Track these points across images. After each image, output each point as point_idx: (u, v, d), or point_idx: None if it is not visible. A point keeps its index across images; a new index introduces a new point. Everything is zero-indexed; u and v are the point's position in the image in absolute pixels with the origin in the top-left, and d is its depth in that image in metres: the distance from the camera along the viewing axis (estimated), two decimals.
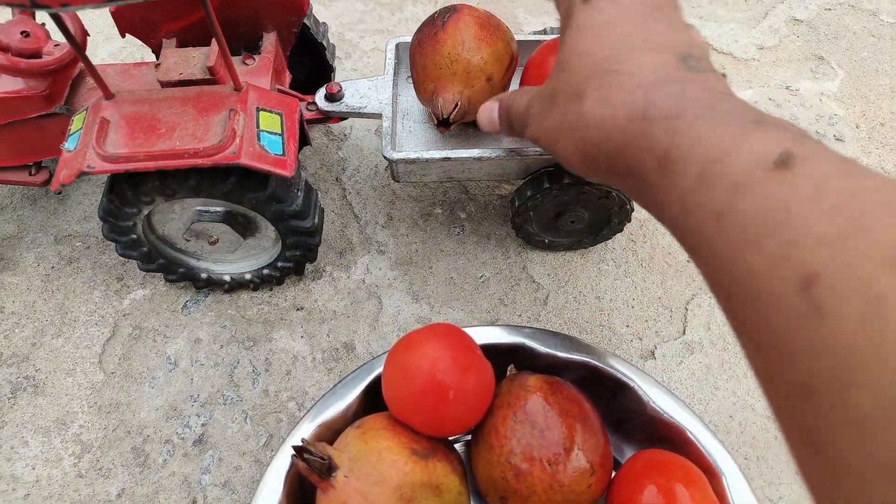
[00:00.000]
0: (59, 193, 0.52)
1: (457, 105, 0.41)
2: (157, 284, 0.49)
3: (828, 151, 0.19)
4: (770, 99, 0.60)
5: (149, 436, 0.42)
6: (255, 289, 0.48)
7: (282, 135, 0.37)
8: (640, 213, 0.52)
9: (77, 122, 0.37)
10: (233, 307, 0.48)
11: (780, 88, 0.60)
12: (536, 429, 0.34)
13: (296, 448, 0.34)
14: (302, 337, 0.46)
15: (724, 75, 0.25)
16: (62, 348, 0.46)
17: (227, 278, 0.47)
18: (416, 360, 0.35)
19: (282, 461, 0.36)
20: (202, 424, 0.43)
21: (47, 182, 0.45)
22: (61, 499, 0.40)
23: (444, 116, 0.41)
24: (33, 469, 0.41)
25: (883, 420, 0.14)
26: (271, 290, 0.48)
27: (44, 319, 0.47)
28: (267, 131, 0.37)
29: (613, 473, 0.37)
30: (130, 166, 0.34)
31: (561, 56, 0.27)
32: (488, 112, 0.33)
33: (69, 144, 0.36)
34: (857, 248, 0.16)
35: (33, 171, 0.45)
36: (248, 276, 0.47)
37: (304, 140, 0.43)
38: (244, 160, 0.35)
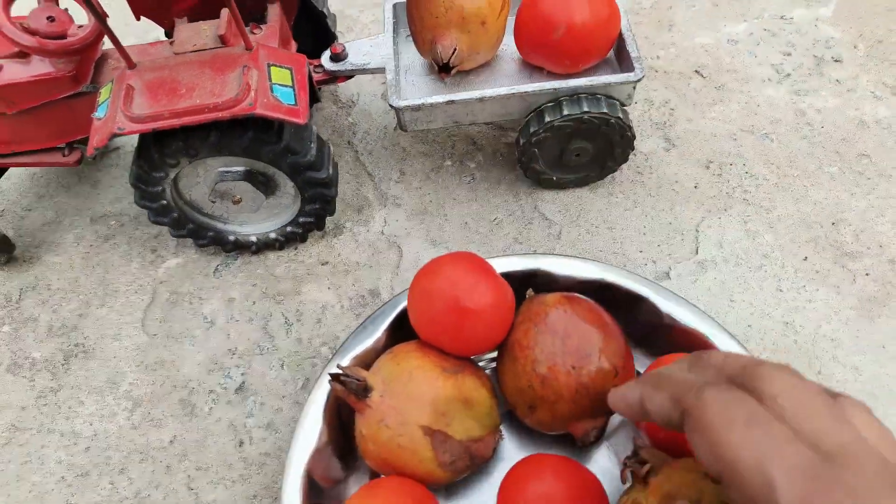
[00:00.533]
0: (94, 159, 0.55)
1: (455, 50, 0.43)
2: (188, 253, 0.51)
3: None
4: (765, 30, 0.60)
5: (194, 388, 0.45)
6: (281, 248, 0.50)
7: (293, 87, 0.40)
8: (643, 146, 0.53)
9: (104, 94, 0.40)
10: (261, 267, 0.50)
11: (774, 18, 0.61)
12: (558, 337, 0.35)
13: (332, 375, 0.36)
14: (329, 288, 0.48)
15: None
16: (107, 316, 0.49)
17: (253, 239, 0.49)
18: (438, 282, 0.37)
19: (320, 394, 0.39)
20: (242, 374, 0.45)
21: (80, 161, 0.48)
22: (119, 448, 0.43)
23: (445, 61, 0.43)
24: (91, 425, 0.44)
25: None
26: (296, 248, 0.51)
27: (87, 292, 0.50)
28: (279, 84, 0.39)
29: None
30: (158, 124, 0.37)
31: None
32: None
33: (99, 113, 0.39)
34: None
35: (66, 153, 0.48)
36: (273, 236, 0.49)
37: (314, 97, 0.45)
38: (260, 110, 0.37)
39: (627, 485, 0.32)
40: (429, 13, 0.44)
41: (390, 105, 0.44)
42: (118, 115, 0.37)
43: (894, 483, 0.17)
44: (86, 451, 0.43)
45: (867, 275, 0.45)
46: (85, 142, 0.51)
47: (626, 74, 0.44)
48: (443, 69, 0.44)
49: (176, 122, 0.37)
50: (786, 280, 0.45)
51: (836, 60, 0.57)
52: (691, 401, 0.21)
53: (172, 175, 0.43)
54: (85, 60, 0.44)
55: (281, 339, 0.47)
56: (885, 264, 0.45)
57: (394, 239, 0.50)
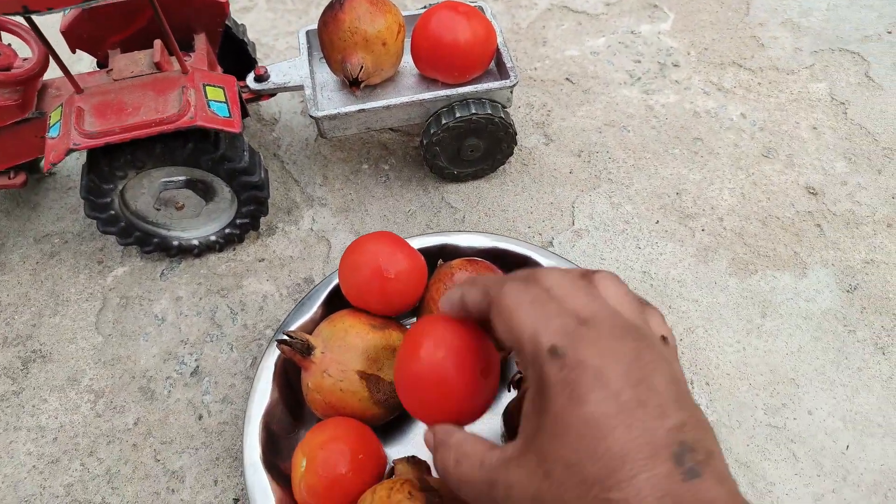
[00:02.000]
0: (51, 174, 0.60)
1: (362, 66, 0.52)
2: (134, 261, 0.56)
3: None
4: (620, 42, 0.73)
5: (152, 376, 0.50)
6: (221, 249, 0.56)
7: (226, 102, 0.47)
8: (527, 143, 0.64)
9: (55, 116, 0.45)
10: (204, 268, 0.56)
11: (626, 33, 0.74)
12: None
13: (279, 340, 0.43)
14: (268, 280, 0.55)
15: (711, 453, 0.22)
16: (60, 324, 0.53)
17: (195, 243, 0.55)
18: (363, 256, 0.45)
19: (270, 361, 0.45)
20: (195, 360, 0.51)
21: (25, 183, 0.53)
22: (86, 435, 0.47)
23: (354, 76, 0.52)
24: (56, 418, 0.48)
25: None
26: (234, 249, 0.57)
27: (39, 304, 0.54)
28: (214, 100, 0.46)
29: None
30: (109, 138, 0.43)
31: (542, 451, 0.23)
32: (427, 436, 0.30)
33: (52, 133, 0.44)
34: None
35: (12, 175, 0.52)
36: (213, 238, 0.55)
37: (244, 112, 0.52)
38: (200, 122, 0.44)
39: (513, 393, 0.42)
40: (337, 37, 0.52)
41: (310, 116, 0.52)
42: (72, 133, 0.43)
43: (623, 332, 0.24)
44: (54, 441, 0.47)
45: (703, 230, 0.57)
46: (29, 165, 0.55)
47: (503, 81, 0.54)
48: (353, 84, 0.53)
49: (126, 135, 0.43)
50: (643, 239, 0.56)
51: (674, 65, 0.71)
52: (495, 291, 0.27)
53: (121, 187, 0.48)
54: (29, 90, 0.49)
55: (228, 327, 0.53)
56: (715, 221, 0.57)
57: (322, 234, 0.58)
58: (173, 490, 0.45)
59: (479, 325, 0.31)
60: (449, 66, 0.54)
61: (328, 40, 0.53)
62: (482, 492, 0.25)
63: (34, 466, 0.46)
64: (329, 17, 0.52)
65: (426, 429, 0.30)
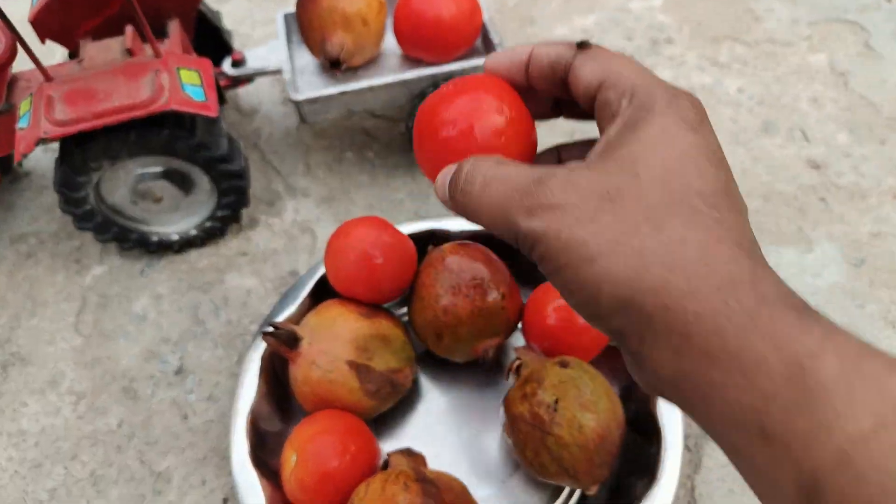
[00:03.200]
0: (21, 166, 0.57)
1: (343, 46, 0.50)
2: (112, 260, 0.54)
3: None
4: (610, 19, 0.71)
5: (134, 377, 0.48)
6: (202, 244, 0.54)
7: (202, 85, 0.45)
8: None
9: (24, 106, 0.43)
10: (185, 264, 0.54)
11: (616, 10, 0.72)
12: (454, 273, 0.42)
13: (265, 332, 0.41)
14: (251, 274, 0.53)
15: None
16: (39, 325, 0.51)
17: (175, 237, 0.53)
18: (349, 241, 0.43)
19: (256, 354, 0.43)
20: (179, 358, 0.49)
21: None
22: (68, 438, 0.45)
23: (335, 57, 0.50)
24: (37, 422, 0.46)
25: None
26: (216, 243, 0.55)
27: (16, 306, 0.52)
28: (189, 84, 0.44)
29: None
30: (81, 126, 0.41)
31: (632, 156, 0.19)
32: (443, 177, 0.23)
33: (21, 123, 0.42)
34: None
35: None
36: (193, 232, 0.53)
37: (221, 98, 0.50)
38: (174, 106, 0.42)
39: (512, 382, 0.40)
40: (316, 17, 0.50)
41: (291, 100, 0.50)
42: (42, 122, 0.41)
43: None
44: (35, 446, 0.45)
45: None
46: (2, 166, 0.53)
47: None
48: (334, 65, 0.51)
49: (98, 122, 0.41)
50: None
51: (667, 41, 0.69)
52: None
53: (95, 179, 0.46)
54: None
55: (211, 323, 0.51)
56: None
57: (306, 224, 0.56)
58: (160, 492, 0.43)
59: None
60: (433, 44, 0.52)
61: (307, 21, 0.51)
62: (509, 205, 0.20)
63: (16, 471, 0.44)
64: None
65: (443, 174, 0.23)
